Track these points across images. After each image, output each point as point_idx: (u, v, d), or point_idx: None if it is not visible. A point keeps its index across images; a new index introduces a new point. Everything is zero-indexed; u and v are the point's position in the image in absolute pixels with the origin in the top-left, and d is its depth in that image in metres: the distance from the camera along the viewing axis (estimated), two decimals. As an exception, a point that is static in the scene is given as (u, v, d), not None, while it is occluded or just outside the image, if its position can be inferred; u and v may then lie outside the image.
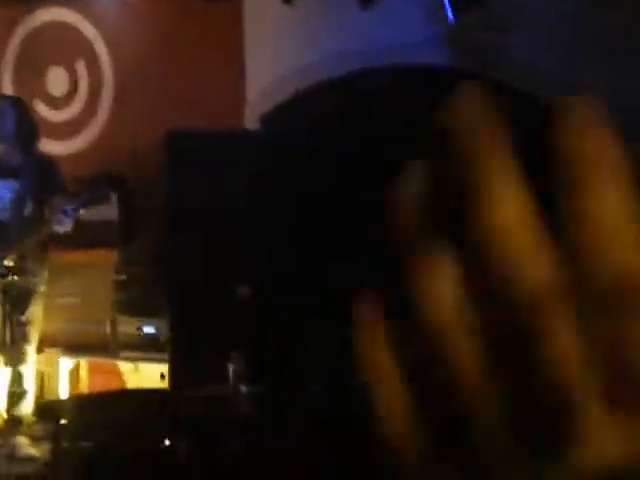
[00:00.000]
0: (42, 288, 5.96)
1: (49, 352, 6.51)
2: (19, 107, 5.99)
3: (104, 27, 7.03)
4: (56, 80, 7.17)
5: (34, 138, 6.00)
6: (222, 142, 6.13)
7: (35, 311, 5.93)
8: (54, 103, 7.19)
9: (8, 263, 5.77)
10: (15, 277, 5.81)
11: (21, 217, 5.84)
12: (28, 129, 5.96)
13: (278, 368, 5.43)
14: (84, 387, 6.62)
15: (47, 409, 5.61)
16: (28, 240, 5.80)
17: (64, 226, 5.74)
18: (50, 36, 7.15)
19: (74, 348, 6.57)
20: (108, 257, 6.53)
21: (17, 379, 5.89)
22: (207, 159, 6.05)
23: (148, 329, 6.38)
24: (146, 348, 6.34)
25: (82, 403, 5.45)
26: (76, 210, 5.73)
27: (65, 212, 5.71)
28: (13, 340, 5.89)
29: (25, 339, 5.91)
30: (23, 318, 5.89)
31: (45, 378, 6.55)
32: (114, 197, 6.53)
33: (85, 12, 7.04)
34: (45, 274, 5.98)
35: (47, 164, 5.98)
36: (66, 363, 6.63)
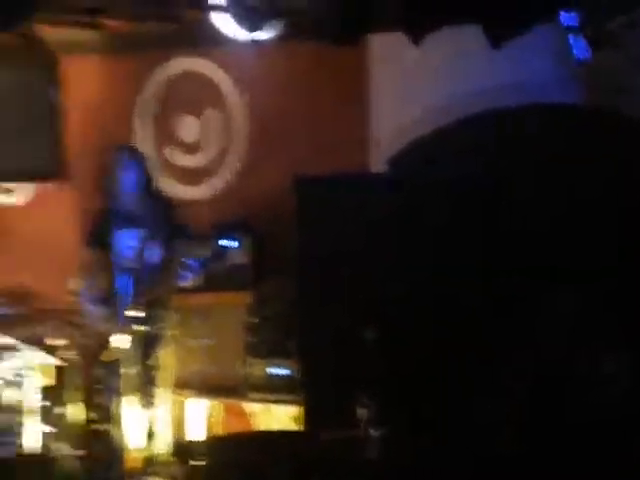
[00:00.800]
0: (170, 332, 6.06)
1: (182, 394, 6.58)
2: (139, 157, 6.13)
3: (236, 75, 7.13)
4: (188, 127, 7.30)
5: (154, 186, 6.11)
6: (350, 186, 6.16)
7: (165, 355, 6.03)
8: (186, 149, 7.32)
9: (138, 312, 5.87)
10: (145, 325, 5.90)
11: (149, 265, 5.95)
12: (149, 178, 6.09)
13: (410, 410, 5.39)
14: (218, 429, 6.67)
15: (182, 450, 5.68)
16: (157, 290, 5.92)
17: (187, 281, 5.86)
18: (184, 84, 7.28)
19: (207, 390, 6.62)
20: (240, 299, 6.58)
21: (152, 421, 5.99)
22: (336, 203, 6.08)
23: (279, 371, 6.40)
24: (277, 390, 6.36)
25: (216, 445, 5.49)
26: (202, 265, 5.84)
27: (190, 268, 5.82)
28: (147, 383, 5.99)
29: (157, 382, 6.01)
30: (154, 362, 6.00)
31: (178, 420, 6.61)
32: (245, 241, 6.60)
33: (218, 61, 7.14)
34: (173, 318, 6.08)
35: (168, 211, 6.09)
36: (199, 405, 6.69)
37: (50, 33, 7.36)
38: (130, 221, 5.93)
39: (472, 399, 5.14)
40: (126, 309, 5.88)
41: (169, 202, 6.21)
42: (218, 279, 6.50)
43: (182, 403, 6.66)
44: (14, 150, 7.06)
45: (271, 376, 6.40)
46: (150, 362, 5.98)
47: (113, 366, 5.95)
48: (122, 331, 5.90)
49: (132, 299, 5.86)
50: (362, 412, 5.20)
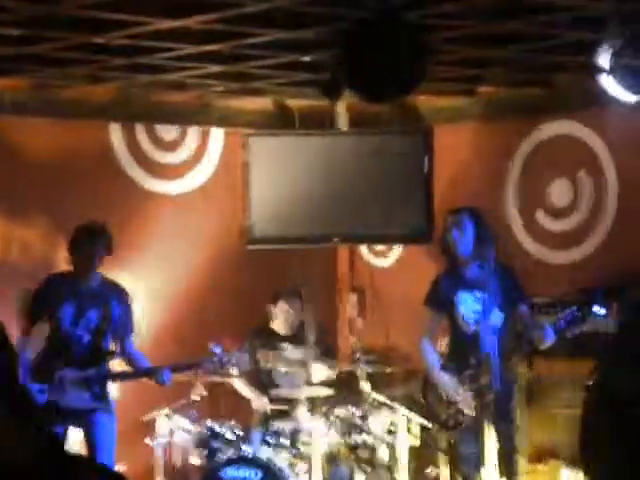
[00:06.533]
0: (522, 397, 6.02)
1: (552, 464, 6.46)
2: (476, 218, 6.05)
3: (609, 137, 6.95)
4: (559, 191, 7.21)
5: (490, 247, 6.00)
6: None
7: (520, 421, 5.99)
8: (555, 213, 7.23)
9: (483, 380, 5.83)
10: (491, 390, 5.83)
11: (492, 329, 5.89)
12: (485, 239, 5.99)
13: None
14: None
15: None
16: (507, 353, 5.87)
17: (543, 345, 5.76)
18: (554, 148, 7.22)
19: (570, 460, 6.44)
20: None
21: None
22: None
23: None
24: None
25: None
26: (559, 331, 5.73)
27: (546, 332, 5.72)
28: (505, 451, 5.95)
29: (514, 450, 5.96)
30: (509, 429, 5.95)
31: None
32: (609, 310, 6.36)
33: (590, 123, 7.02)
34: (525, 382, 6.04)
35: (506, 273, 6.01)
36: (570, 475, 6.51)
37: (424, 101, 7.59)
38: (472, 285, 5.93)
39: None
40: (470, 372, 5.90)
41: (506, 264, 6.14)
42: (575, 346, 6.33)
43: (553, 472, 6.53)
44: (388, 214, 7.32)
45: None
46: (504, 429, 5.93)
47: (467, 432, 5.95)
48: (467, 396, 5.89)
49: (476, 362, 5.86)
50: None
